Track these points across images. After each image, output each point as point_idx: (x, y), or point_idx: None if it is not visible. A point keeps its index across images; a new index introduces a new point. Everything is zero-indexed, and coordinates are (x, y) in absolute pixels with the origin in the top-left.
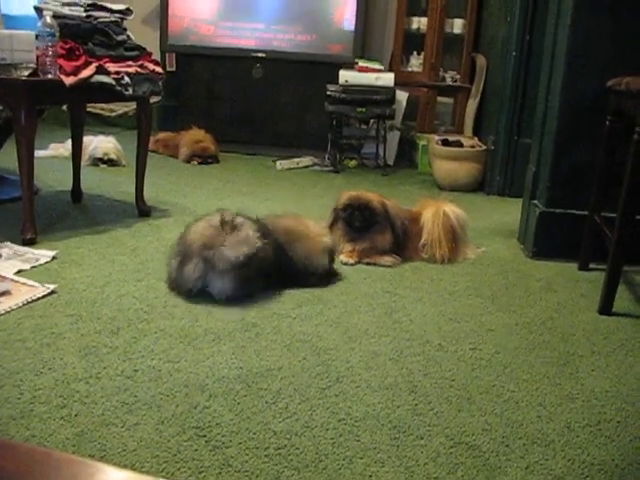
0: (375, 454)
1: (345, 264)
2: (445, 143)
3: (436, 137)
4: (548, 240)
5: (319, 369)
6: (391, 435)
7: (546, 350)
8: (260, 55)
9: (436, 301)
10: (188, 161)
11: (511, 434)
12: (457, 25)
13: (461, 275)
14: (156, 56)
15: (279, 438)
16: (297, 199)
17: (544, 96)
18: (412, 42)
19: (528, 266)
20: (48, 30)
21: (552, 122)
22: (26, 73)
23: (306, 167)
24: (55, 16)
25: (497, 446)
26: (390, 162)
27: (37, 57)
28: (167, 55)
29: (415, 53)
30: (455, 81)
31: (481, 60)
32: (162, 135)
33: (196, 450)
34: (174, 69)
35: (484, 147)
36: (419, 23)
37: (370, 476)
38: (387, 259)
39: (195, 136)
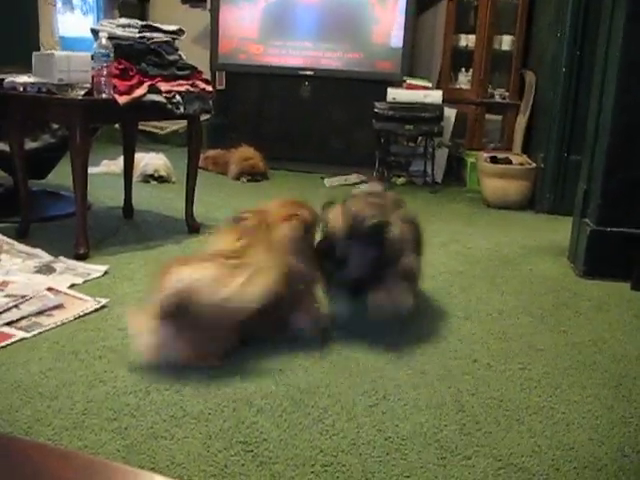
0: (422, 473)
1: None
2: (494, 160)
3: (485, 154)
4: (599, 259)
5: (366, 387)
6: (438, 455)
7: (597, 371)
8: (308, 73)
9: (484, 320)
10: (237, 178)
11: (561, 457)
12: (506, 41)
13: (510, 294)
14: (206, 75)
15: (325, 455)
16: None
17: (595, 112)
18: (460, 59)
19: (578, 285)
20: (103, 51)
21: (603, 138)
22: (82, 93)
23: (354, 184)
24: (110, 37)
25: (547, 469)
26: (438, 179)
27: (92, 77)
28: (217, 74)
29: (463, 70)
30: (504, 98)
31: (530, 76)
32: (212, 152)
33: (243, 465)
34: (224, 87)
35: (533, 164)
36: (467, 40)
37: None
38: None
39: (244, 153)
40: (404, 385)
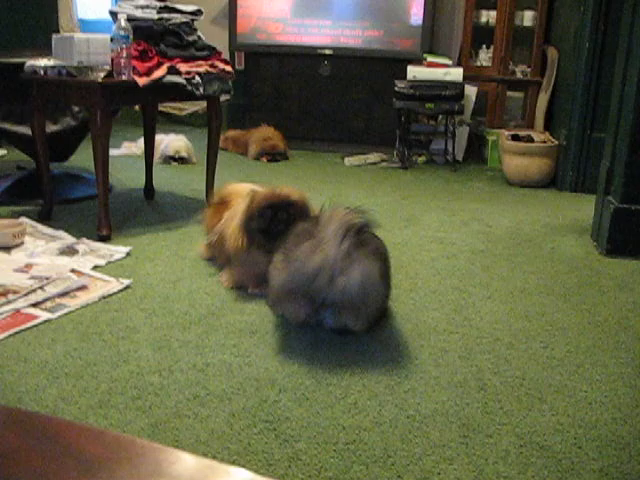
0: (444, 451)
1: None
2: (515, 138)
3: (506, 132)
4: (623, 237)
5: (388, 365)
6: (460, 433)
7: (620, 350)
8: (327, 52)
9: (506, 298)
10: (257, 158)
11: (584, 435)
12: (527, 17)
13: (532, 272)
14: (225, 55)
15: (348, 433)
16: (366, 195)
17: (619, 88)
18: (481, 36)
19: (602, 263)
20: (122, 33)
21: (628, 115)
22: (102, 75)
23: (374, 164)
24: (129, 19)
25: (569, 447)
26: (459, 158)
27: (112, 59)
28: (236, 54)
29: (484, 47)
30: (525, 75)
31: (552, 52)
32: (231, 133)
33: (266, 443)
34: (243, 68)
35: (556, 142)
36: (488, 16)
37: (439, 473)
38: None
39: (264, 133)
40: (426, 364)
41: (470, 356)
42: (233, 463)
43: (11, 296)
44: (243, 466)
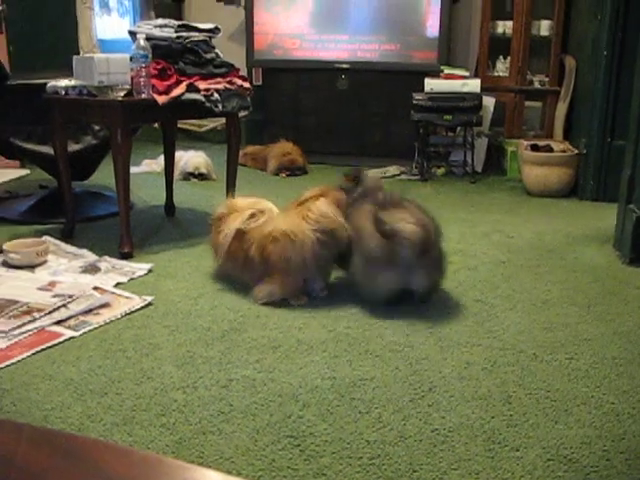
0: (470, 465)
1: None
2: (534, 148)
3: (525, 142)
4: None
5: (411, 379)
6: (485, 446)
7: None
8: (344, 66)
9: (529, 310)
10: (277, 173)
11: (612, 448)
12: (544, 26)
13: (555, 283)
14: (243, 72)
15: (372, 448)
16: None
17: (639, 95)
18: (498, 46)
19: (625, 273)
20: (141, 52)
21: None
22: (122, 94)
23: (394, 176)
24: (148, 38)
25: (597, 460)
26: (478, 169)
27: (132, 78)
28: (254, 70)
29: (501, 57)
30: (543, 84)
31: (570, 61)
32: (250, 148)
33: (291, 459)
34: (261, 83)
35: (575, 151)
36: (504, 27)
37: None
38: None
39: (283, 149)
40: (449, 377)
41: (494, 369)
42: (258, 479)
43: (35, 314)
44: None
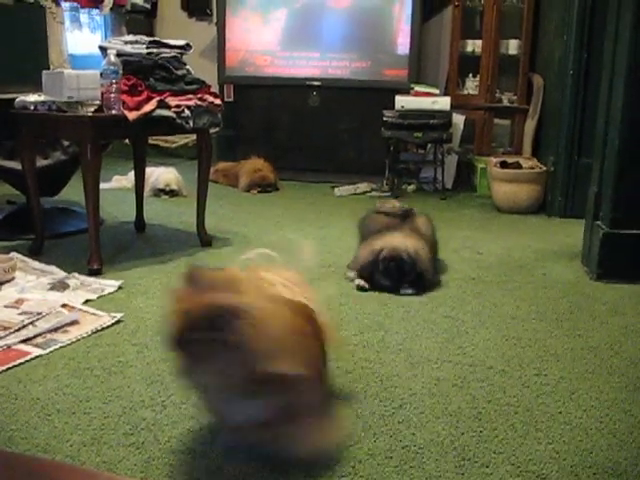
0: None
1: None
2: (504, 165)
3: (494, 159)
4: (613, 262)
5: (382, 396)
6: (456, 463)
7: (614, 375)
8: (316, 83)
9: (499, 325)
10: (248, 190)
11: (580, 463)
12: (512, 46)
13: (524, 299)
14: (215, 88)
15: (343, 465)
16: (355, 225)
17: (604, 114)
18: (467, 65)
19: (593, 289)
20: (112, 68)
21: (613, 140)
22: (92, 110)
23: (364, 193)
24: (118, 54)
25: (566, 475)
26: (448, 186)
27: (102, 94)
28: (225, 86)
29: (470, 75)
30: (512, 102)
31: (538, 80)
32: (222, 165)
33: (262, 476)
34: (232, 100)
35: (544, 168)
36: (474, 45)
37: None
38: None
39: (254, 165)
40: (420, 393)
41: (464, 385)
42: None
43: (2, 332)
44: None
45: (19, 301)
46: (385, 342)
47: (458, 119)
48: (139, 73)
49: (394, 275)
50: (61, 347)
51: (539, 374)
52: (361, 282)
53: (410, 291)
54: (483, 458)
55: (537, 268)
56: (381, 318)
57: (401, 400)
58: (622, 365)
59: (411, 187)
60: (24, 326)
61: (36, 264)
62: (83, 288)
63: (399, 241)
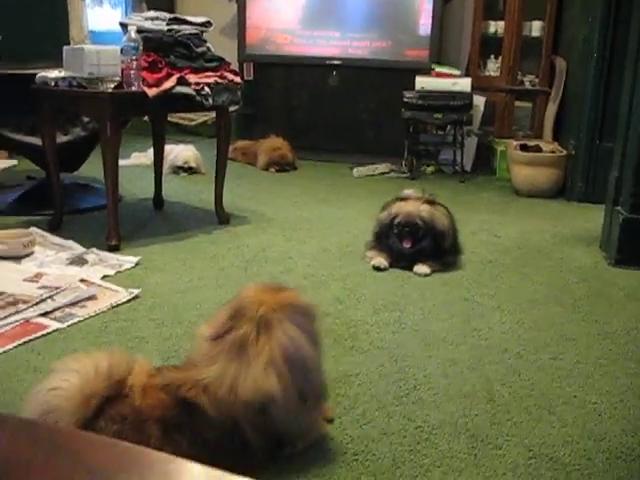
0: (452, 463)
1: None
2: (524, 148)
3: (514, 142)
4: (632, 247)
5: (396, 376)
6: (469, 444)
7: (630, 361)
8: (336, 62)
9: (515, 309)
10: (266, 169)
11: (593, 448)
12: (535, 27)
13: (541, 283)
14: (234, 66)
15: (356, 444)
16: (374, 206)
17: (628, 98)
18: (489, 46)
19: (611, 274)
20: (132, 44)
21: (637, 125)
22: (112, 86)
23: (383, 174)
24: (139, 30)
25: (579, 459)
26: (467, 168)
27: (122, 70)
28: (245, 65)
29: (492, 57)
30: (534, 85)
31: (561, 63)
32: (240, 143)
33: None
34: (252, 78)
35: (564, 152)
36: (496, 26)
37: None
38: None
39: (273, 144)
40: (434, 374)
41: (479, 367)
42: (242, 474)
43: (21, 306)
44: (252, 477)
45: (38, 275)
46: (401, 322)
47: (479, 101)
48: (159, 50)
49: (408, 240)
50: (79, 321)
51: (555, 358)
52: (378, 262)
53: (426, 271)
54: (496, 440)
55: (555, 252)
56: (397, 298)
57: (415, 381)
58: (638, 351)
59: (430, 169)
60: (43, 300)
61: (55, 239)
62: (101, 264)
63: (414, 207)
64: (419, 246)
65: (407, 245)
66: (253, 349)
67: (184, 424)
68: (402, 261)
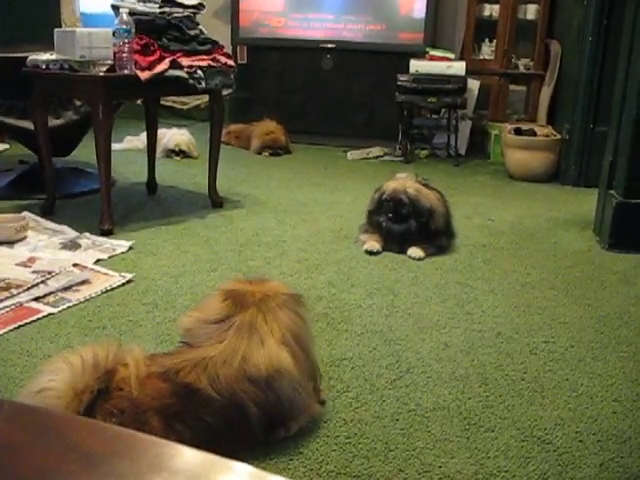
0: (445, 445)
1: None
2: (518, 132)
3: (508, 126)
4: (625, 231)
5: (389, 359)
6: (461, 427)
7: (622, 345)
8: (330, 46)
9: (508, 293)
10: (259, 152)
11: (585, 430)
12: (530, 11)
13: (534, 267)
14: (228, 49)
15: (349, 427)
16: (367, 190)
17: (622, 82)
18: (484, 29)
19: (604, 258)
20: (124, 27)
21: (631, 109)
22: (104, 69)
23: (377, 157)
24: (131, 13)
25: (570, 441)
26: (462, 152)
27: (114, 53)
28: (238, 48)
29: (487, 40)
30: (528, 69)
31: (555, 46)
32: (234, 127)
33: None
34: (245, 61)
35: (558, 136)
36: (491, 10)
37: (440, 467)
38: None
39: (266, 127)
40: (427, 358)
41: (472, 350)
42: (235, 457)
43: (14, 290)
44: (244, 460)
45: (31, 260)
46: (394, 306)
47: (473, 84)
48: (152, 32)
49: (394, 216)
50: (72, 306)
51: (547, 342)
52: (370, 246)
53: (420, 255)
54: (488, 423)
55: (548, 236)
56: (390, 282)
57: (408, 364)
58: (630, 335)
59: (424, 152)
60: (35, 284)
61: (48, 224)
62: (94, 248)
63: (400, 183)
64: (406, 224)
65: (393, 221)
66: (264, 328)
67: (185, 412)
68: (393, 243)
